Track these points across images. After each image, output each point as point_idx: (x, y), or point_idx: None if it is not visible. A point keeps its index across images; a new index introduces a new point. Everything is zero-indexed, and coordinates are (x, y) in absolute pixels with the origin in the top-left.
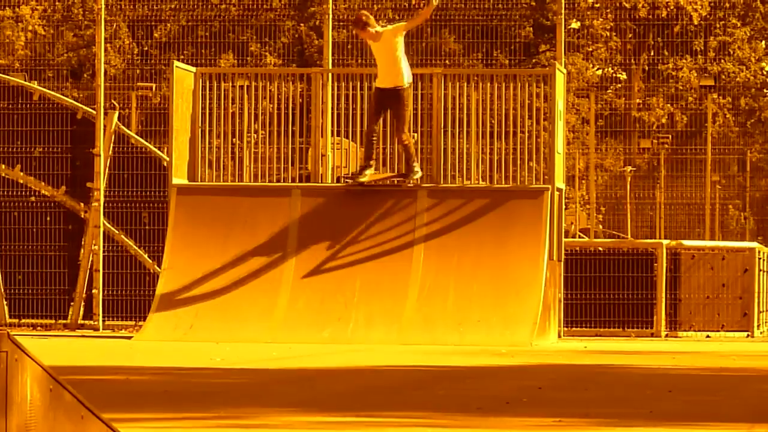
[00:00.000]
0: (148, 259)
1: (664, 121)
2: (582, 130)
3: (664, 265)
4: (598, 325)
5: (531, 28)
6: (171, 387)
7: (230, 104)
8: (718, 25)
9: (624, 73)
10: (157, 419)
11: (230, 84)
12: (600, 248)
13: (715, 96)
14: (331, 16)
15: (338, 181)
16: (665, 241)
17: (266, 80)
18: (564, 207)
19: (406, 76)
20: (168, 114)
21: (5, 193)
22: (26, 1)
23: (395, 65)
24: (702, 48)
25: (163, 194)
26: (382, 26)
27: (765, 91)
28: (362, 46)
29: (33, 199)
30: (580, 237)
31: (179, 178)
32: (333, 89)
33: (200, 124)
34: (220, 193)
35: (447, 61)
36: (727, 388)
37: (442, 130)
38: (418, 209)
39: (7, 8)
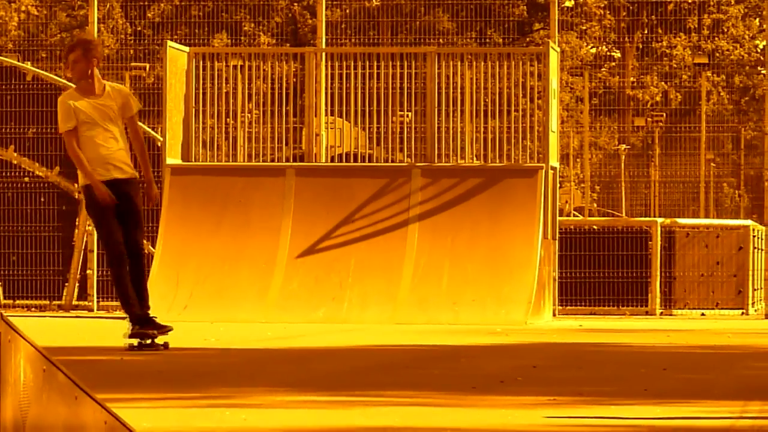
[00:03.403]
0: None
1: (658, 99)
2: (576, 109)
3: (659, 243)
4: (593, 304)
5: (525, 7)
6: (165, 367)
7: (224, 84)
8: (712, 3)
9: (618, 51)
10: (151, 399)
11: (224, 64)
12: (594, 226)
13: (709, 74)
14: None
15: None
16: (660, 219)
17: (260, 60)
18: (558, 185)
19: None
20: (162, 94)
21: None
22: None
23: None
24: (696, 26)
25: (157, 174)
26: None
27: (759, 68)
28: (356, 26)
29: (27, 179)
30: (574, 215)
31: (173, 158)
32: (327, 69)
33: (194, 104)
34: (214, 173)
35: (441, 40)
36: (722, 366)
37: (436, 109)
38: (412, 189)
39: None
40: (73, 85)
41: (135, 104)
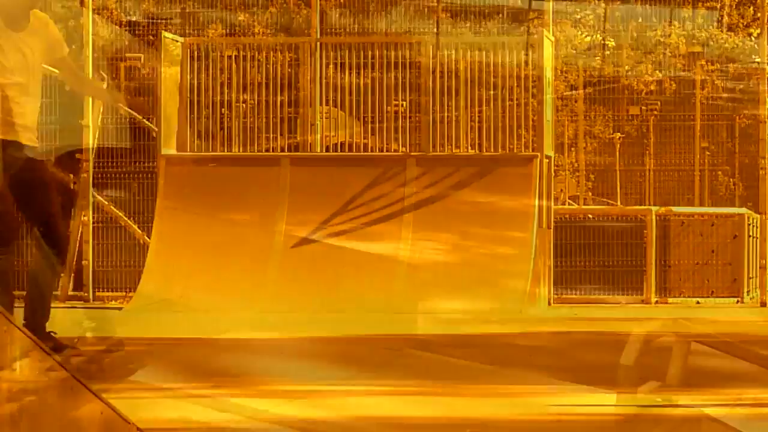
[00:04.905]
0: (138, 229)
1: (652, 87)
2: (570, 98)
3: (654, 231)
4: (588, 292)
5: None
6: (161, 358)
7: (219, 74)
8: None
9: (612, 40)
10: (146, 389)
11: (218, 54)
12: (590, 215)
13: (703, 62)
14: None
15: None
16: (654, 208)
17: (254, 50)
18: (553, 174)
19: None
20: (156, 84)
21: None
22: None
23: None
24: (691, 14)
25: (152, 165)
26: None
27: (754, 57)
28: (351, 16)
29: None
30: (569, 204)
31: (168, 148)
32: (321, 58)
33: (189, 95)
34: (209, 163)
35: (435, 29)
36: (717, 354)
37: (431, 98)
38: (407, 178)
39: None
40: None
41: (61, 42)
